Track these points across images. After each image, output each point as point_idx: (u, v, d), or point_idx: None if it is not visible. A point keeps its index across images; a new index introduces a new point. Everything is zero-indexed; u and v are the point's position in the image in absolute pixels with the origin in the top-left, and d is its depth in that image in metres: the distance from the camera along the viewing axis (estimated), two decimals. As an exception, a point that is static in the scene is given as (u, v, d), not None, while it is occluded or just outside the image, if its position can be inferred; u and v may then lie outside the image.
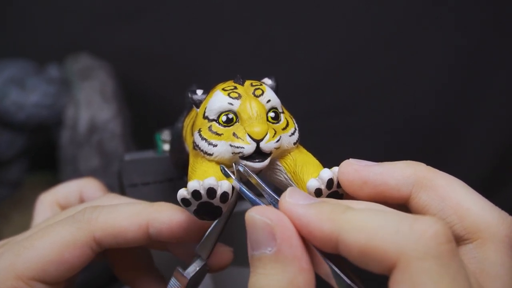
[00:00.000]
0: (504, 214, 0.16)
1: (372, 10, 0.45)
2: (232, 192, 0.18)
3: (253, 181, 0.18)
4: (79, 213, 0.20)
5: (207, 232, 0.20)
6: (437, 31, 0.45)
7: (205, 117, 0.19)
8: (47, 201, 0.23)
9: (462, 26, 0.44)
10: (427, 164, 0.18)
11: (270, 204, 0.17)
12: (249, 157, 0.18)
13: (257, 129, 0.18)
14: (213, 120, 0.19)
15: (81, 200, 0.24)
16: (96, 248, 0.19)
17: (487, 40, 0.44)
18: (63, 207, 0.24)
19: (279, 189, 0.20)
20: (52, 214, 0.23)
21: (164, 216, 0.19)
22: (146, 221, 0.19)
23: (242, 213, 0.25)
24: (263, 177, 0.20)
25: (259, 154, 0.18)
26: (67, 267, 0.19)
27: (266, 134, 0.18)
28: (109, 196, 0.22)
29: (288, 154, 0.19)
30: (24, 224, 0.24)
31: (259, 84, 0.19)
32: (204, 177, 0.17)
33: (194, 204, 0.17)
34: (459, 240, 0.16)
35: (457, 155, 0.48)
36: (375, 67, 0.47)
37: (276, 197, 0.17)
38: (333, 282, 0.15)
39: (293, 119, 0.20)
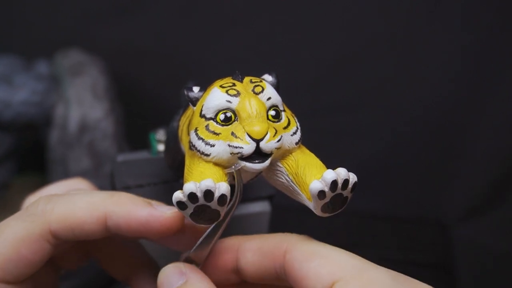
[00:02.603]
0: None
1: (377, 7, 0.45)
2: (232, 195, 0.17)
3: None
4: (32, 205, 0.19)
5: (204, 236, 0.19)
6: (444, 28, 0.44)
7: (202, 116, 0.18)
8: None
9: (469, 23, 0.44)
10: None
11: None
12: (249, 158, 0.17)
13: (257, 128, 0.17)
14: (211, 118, 0.18)
15: None
16: (53, 241, 0.19)
17: (495, 37, 0.44)
18: None
19: (280, 192, 0.19)
20: None
21: (122, 210, 0.18)
22: (104, 214, 0.19)
23: (240, 216, 0.24)
24: (263, 179, 0.19)
25: (259, 154, 0.17)
26: (26, 263, 0.18)
27: (267, 133, 0.17)
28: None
29: (290, 155, 0.18)
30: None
31: (259, 80, 0.19)
32: (201, 179, 0.17)
33: (191, 207, 0.17)
34: None
35: (465, 156, 0.47)
36: (380, 65, 0.46)
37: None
38: None
39: (295, 118, 0.19)
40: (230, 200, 0.17)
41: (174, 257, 0.20)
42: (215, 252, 0.19)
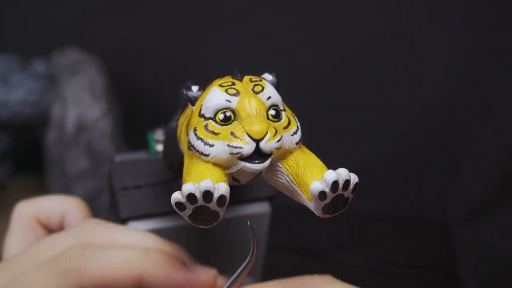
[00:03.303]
0: None
1: (377, 7, 0.44)
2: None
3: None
4: (63, 259, 0.18)
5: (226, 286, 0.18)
6: (444, 28, 0.44)
7: (201, 115, 0.18)
8: (26, 214, 0.21)
9: (469, 23, 0.43)
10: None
11: None
12: (248, 158, 0.17)
13: (257, 127, 0.17)
14: (210, 118, 0.17)
15: (61, 223, 0.22)
16: None
17: (495, 37, 0.43)
18: (43, 225, 0.22)
19: (280, 192, 0.19)
20: (29, 230, 0.21)
21: (159, 273, 0.18)
22: (139, 275, 0.18)
23: (240, 217, 0.24)
24: (263, 179, 0.19)
25: (258, 154, 0.17)
26: None
27: (267, 133, 0.17)
28: (91, 223, 0.20)
29: (290, 155, 0.18)
30: (8, 229, 0.23)
31: (258, 79, 0.18)
32: (200, 180, 0.16)
33: (189, 208, 0.16)
34: None
35: (465, 156, 0.47)
36: (380, 65, 0.46)
37: None
38: None
39: (295, 117, 0.19)
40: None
41: None
42: None
